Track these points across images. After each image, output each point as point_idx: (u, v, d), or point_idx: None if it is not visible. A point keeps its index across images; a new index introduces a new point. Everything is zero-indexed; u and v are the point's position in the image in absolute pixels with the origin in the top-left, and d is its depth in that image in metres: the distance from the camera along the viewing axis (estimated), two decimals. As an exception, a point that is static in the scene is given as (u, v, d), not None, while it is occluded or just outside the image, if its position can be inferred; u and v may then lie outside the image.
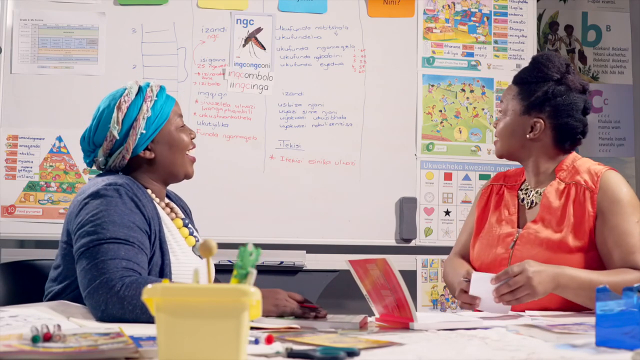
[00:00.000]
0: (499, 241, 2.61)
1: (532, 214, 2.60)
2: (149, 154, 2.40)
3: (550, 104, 2.58)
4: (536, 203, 2.60)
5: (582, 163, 2.60)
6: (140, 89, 2.41)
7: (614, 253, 2.44)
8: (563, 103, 2.58)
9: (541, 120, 2.58)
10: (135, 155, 2.39)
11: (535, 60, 2.67)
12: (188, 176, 2.49)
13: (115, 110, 2.35)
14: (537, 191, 2.62)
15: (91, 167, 2.46)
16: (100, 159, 2.39)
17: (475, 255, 2.66)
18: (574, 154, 2.64)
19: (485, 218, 2.72)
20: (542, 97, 2.58)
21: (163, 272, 2.29)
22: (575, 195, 2.53)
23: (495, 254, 2.59)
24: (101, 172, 2.44)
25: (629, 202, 2.49)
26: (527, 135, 2.60)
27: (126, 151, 2.36)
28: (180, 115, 2.48)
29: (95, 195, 2.23)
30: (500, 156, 2.71)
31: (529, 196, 2.63)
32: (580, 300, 2.38)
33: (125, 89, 2.40)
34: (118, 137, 2.34)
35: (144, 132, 2.36)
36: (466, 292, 2.39)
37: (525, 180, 2.70)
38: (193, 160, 2.49)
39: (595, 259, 2.48)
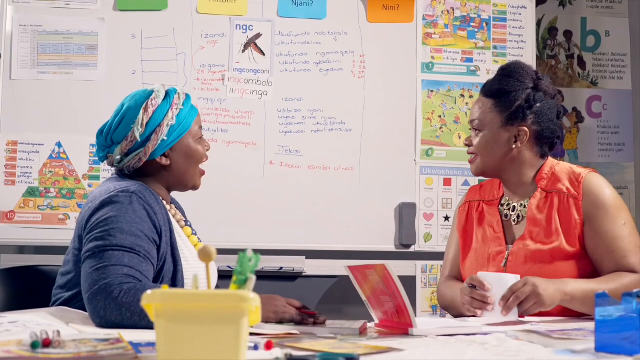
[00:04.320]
0: (489, 261, 2.59)
1: (519, 229, 2.59)
2: (164, 161, 2.40)
3: (532, 110, 2.57)
4: (523, 217, 2.59)
5: (561, 169, 2.59)
6: (167, 94, 2.41)
7: (607, 259, 2.45)
8: (544, 108, 2.59)
9: (525, 129, 2.57)
10: (151, 159, 2.39)
11: (506, 71, 2.63)
12: (195, 188, 2.51)
13: (141, 111, 2.35)
14: (522, 204, 2.60)
15: (102, 162, 2.45)
16: (115, 157, 2.38)
17: (467, 276, 2.62)
18: (551, 160, 2.63)
19: (470, 236, 2.71)
20: (525, 105, 2.57)
21: (175, 278, 2.30)
22: (559, 203, 2.52)
23: None
24: (113, 175, 2.44)
25: (614, 205, 2.50)
26: (513, 146, 2.58)
27: (144, 154, 2.36)
28: (200, 127, 2.49)
29: (108, 201, 2.23)
30: (480, 174, 2.66)
31: (514, 212, 2.62)
32: (587, 310, 2.38)
33: (152, 91, 2.40)
34: (139, 139, 2.34)
35: (165, 138, 2.37)
36: (472, 297, 2.37)
37: (503, 194, 2.69)
38: (202, 173, 2.51)
39: (588, 265, 2.48)
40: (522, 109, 2.57)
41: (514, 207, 2.62)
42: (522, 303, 2.27)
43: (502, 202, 2.66)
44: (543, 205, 2.54)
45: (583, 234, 2.48)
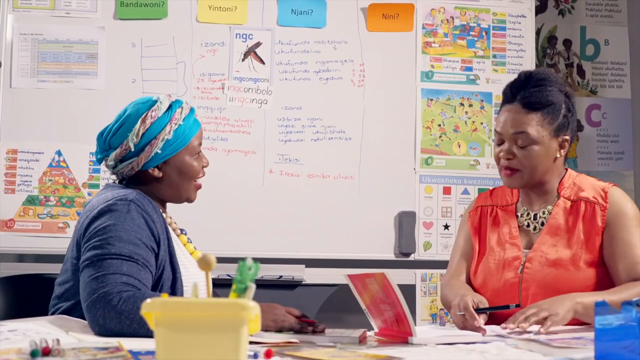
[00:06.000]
0: (505, 266, 2.56)
1: (537, 235, 2.56)
2: (157, 173, 2.39)
3: (571, 119, 2.57)
4: (544, 223, 2.58)
5: (583, 180, 2.60)
6: (170, 107, 2.40)
7: (619, 264, 2.45)
8: (575, 115, 2.60)
9: (568, 137, 2.55)
10: (144, 170, 2.38)
11: (542, 81, 2.55)
12: (189, 201, 2.50)
13: (139, 121, 2.34)
14: (543, 211, 2.59)
15: (100, 163, 2.45)
16: (109, 162, 2.38)
17: (481, 282, 2.61)
18: (570, 171, 2.63)
19: (483, 241, 2.67)
20: (568, 114, 2.55)
21: (175, 286, 2.29)
22: (584, 211, 2.52)
23: (505, 279, 2.54)
24: (109, 183, 2.44)
25: (635, 216, 2.51)
26: (557, 156, 2.55)
27: (136, 164, 2.36)
28: (200, 143, 2.47)
29: (106, 209, 2.23)
30: (523, 187, 2.58)
31: (535, 220, 2.60)
32: None
33: (155, 101, 2.39)
34: (133, 149, 2.34)
35: (159, 152, 2.36)
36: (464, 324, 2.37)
37: (518, 201, 2.67)
38: (198, 187, 2.49)
39: (605, 273, 2.48)
40: (566, 118, 2.54)
41: (535, 215, 2.60)
42: (536, 318, 2.21)
43: (521, 212, 2.64)
44: (568, 212, 2.54)
45: (602, 241, 2.49)
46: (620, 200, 2.52)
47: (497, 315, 2.45)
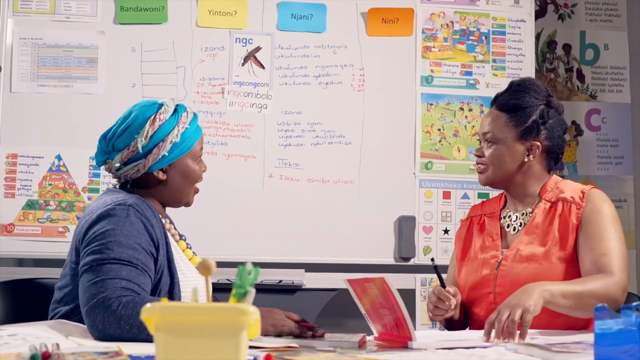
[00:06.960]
0: (483, 264, 2.64)
1: (516, 236, 2.63)
2: (161, 175, 2.40)
3: (546, 126, 2.63)
4: (523, 224, 2.62)
5: (566, 184, 2.65)
6: (175, 110, 2.41)
7: (587, 256, 2.48)
8: (555, 124, 2.65)
9: (538, 143, 2.62)
10: (149, 172, 2.39)
11: (521, 86, 2.68)
12: (187, 205, 2.51)
13: (147, 123, 2.35)
14: (523, 213, 2.63)
15: (100, 167, 2.45)
16: (115, 164, 2.38)
17: (462, 281, 2.70)
18: (554, 177, 2.69)
19: (469, 246, 2.75)
20: (539, 120, 2.62)
21: (172, 291, 2.29)
22: (561, 210, 2.58)
23: (481, 275, 2.62)
24: (109, 188, 2.44)
25: (610, 215, 2.54)
26: (525, 160, 2.62)
27: (143, 166, 2.36)
28: (202, 148, 2.49)
29: (105, 214, 2.23)
30: (488, 184, 2.69)
31: (514, 221, 2.65)
32: (568, 311, 2.36)
33: (162, 104, 2.40)
34: (141, 151, 2.34)
35: (166, 154, 2.36)
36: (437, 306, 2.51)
37: (504, 205, 2.73)
38: (197, 191, 2.51)
39: (579, 270, 2.50)
40: (536, 124, 2.62)
41: (516, 217, 2.65)
42: (510, 320, 2.18)
43: (504, 215, 2.70)
44: (547, 213, 2.59)
45: (576, 238, 2.52)
46: (596, 200, 2.57)
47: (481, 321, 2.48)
